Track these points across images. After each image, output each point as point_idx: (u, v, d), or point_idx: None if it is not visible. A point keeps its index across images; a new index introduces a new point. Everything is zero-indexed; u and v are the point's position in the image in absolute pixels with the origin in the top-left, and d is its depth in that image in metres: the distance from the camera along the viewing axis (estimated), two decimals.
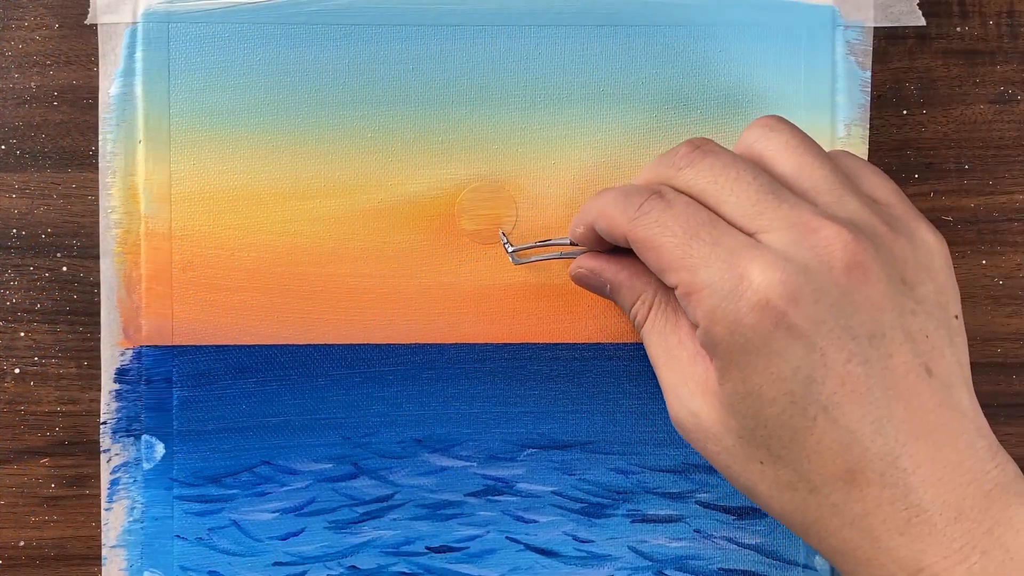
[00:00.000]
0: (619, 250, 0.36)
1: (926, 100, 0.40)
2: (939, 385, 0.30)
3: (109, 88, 0.39)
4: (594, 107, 0.39)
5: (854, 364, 0.30)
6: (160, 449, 0.39)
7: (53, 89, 0.40)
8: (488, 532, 0.40)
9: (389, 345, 0.39)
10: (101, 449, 0.39)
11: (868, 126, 0.39)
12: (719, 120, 0.39)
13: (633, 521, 0.40)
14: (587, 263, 0.37)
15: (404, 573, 0.39)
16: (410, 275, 0.39)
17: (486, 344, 0.39)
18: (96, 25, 0.39)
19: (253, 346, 0.39)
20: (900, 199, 0.33)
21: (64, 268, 0.40)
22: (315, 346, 0.39)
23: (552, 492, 0.40)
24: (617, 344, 0.40)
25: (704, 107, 0.39)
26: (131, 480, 0.39)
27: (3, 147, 0.40)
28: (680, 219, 0.31)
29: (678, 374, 0.33)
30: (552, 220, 0.39)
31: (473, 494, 0.40)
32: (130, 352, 0.39)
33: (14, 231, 0.40)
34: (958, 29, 0.40)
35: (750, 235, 0.31)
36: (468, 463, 0.40)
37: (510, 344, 0.39)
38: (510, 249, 0.39)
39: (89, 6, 0.39)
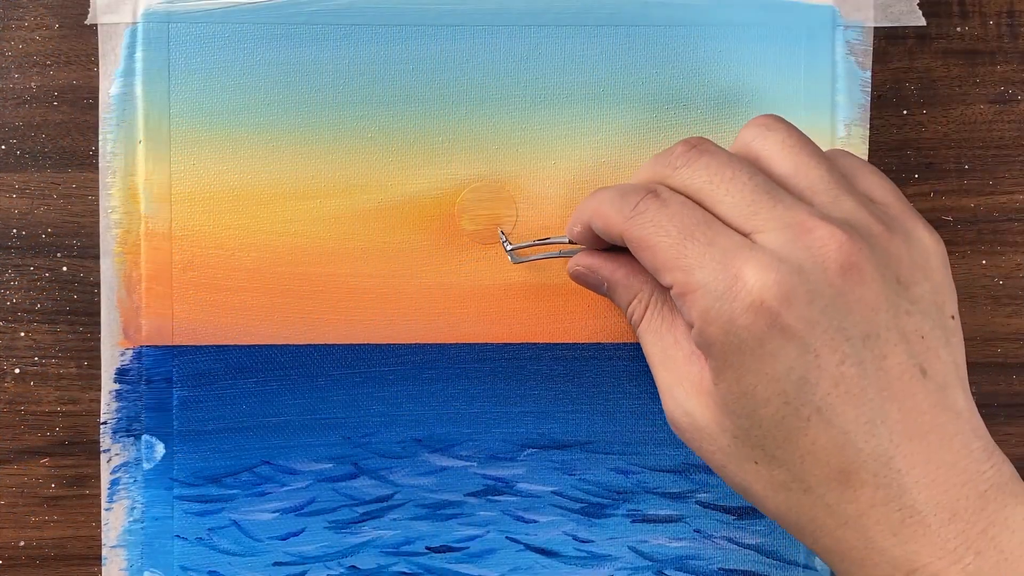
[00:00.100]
0: (617, 248, 0.36)
1: (926, 100, 0.40)
2: (934, 386, 0.30)
3: (109, 88, 0.39)
4: (594, 107, 0.39)
5: (848, 365, 0.30)
6: (160, 449, 0.39)
7: (53, 89, 0.40)
8: (488, 532, 0.40)
9: (389, 345, 0.39)
10: (101, 449, 0.39)
11: (868, 126, 0.39)
12: (719, 120, 0.39)
13: (633, 521, 0.40)
14: (585, 261, 0.36)
15: (404, 573, 0.39)
16: (410, 275, 0.39)
17: (486, 344, 0.39)
18: (96, 25, 0.39)
19: (253, 346, 0.39)
20: (897, 198, 0.33)
21: (64, 268, 0.40)
22: (315, 346, 0.39)
23: (552, 492, 0.40)
24: (617, 344, 0.40)
25: (704, 107, 0.39)
26: (131, 480, 0.39)
27: (3, 147, 0.40)
28: (675, 219, 0.31)
29: (674, 374, 0.33)
30: (552, 220, 0.39)
31: (473, 494, 0.40)
32: (130, 352, 0.39)
33: (14, 231, 0.40)
34: (958, 29, 0.40)
35: (745, 235, 0.31)
36: (468, 463, 0.40)
37: (510, 344, 0.39)
38: (509, 247, 0.39)
39: (89, 6, 0.39)
